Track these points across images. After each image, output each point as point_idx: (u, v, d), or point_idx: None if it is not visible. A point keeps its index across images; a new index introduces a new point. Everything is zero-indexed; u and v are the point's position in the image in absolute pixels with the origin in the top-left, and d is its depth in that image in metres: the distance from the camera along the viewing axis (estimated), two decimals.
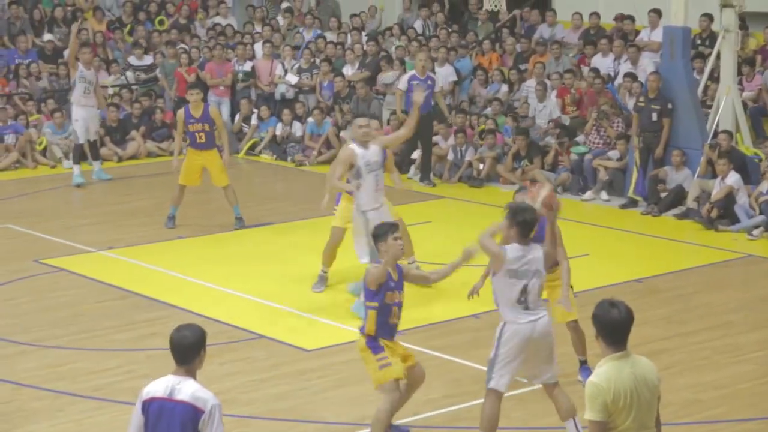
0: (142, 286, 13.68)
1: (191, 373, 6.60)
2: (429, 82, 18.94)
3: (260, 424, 9.96)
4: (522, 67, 20.97)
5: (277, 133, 21.42)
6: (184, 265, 14.57)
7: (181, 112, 16.06)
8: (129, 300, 13.29)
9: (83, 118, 19.11)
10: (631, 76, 18.85)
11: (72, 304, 13.14)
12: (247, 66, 22.59)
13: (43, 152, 20.91)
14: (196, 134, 15.79)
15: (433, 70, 20.18)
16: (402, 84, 19.31)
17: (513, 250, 8.83)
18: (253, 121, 21.82)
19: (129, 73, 22.88)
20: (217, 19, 24.93)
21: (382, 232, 9.20)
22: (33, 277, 14.14)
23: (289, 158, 20.97)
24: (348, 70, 21.92)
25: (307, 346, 11.79)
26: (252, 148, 21.54)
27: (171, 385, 6.54)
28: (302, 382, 10.89)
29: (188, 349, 6.59)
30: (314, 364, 11.33)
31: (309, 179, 19.79)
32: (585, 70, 20.07)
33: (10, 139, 20.63)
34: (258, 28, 24.30)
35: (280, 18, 24.88)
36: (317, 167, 20.43)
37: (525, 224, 8.80)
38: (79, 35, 20.29)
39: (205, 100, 21.57)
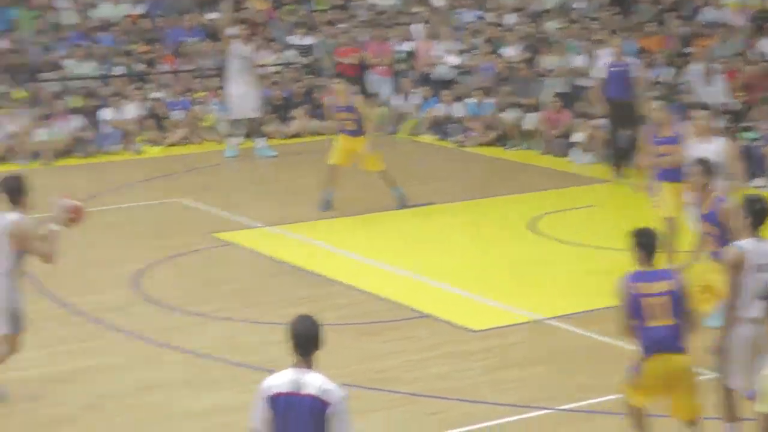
0: (309, 262, 13.90)
1: (311, 365, 6.58)
2: (625, 67, 18.07)
3: (423, 402, 10.01)
4: (686, 50, 20.61)
5: (438, 113, 21.51)
6: (350, 242, 14.77)
7: (330, 99, 16.22)
8: (297, 275, 13.52)
9: (236, 94, 19.49)
10: None
11: (242, 278, 13.46)
12: (407, 46, 22.70)
13: (210, 128, 21.39)
14: (344, 122, 15.97)
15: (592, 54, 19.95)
16: (600, 71, 18.35)
17: (750, 243, 8.35)
18: (415, 101, 21.94)
19: (289, 52, 23.21)
20: (378, 0, 25.09)
21: None
22: (205, 250, 14.51)
23: (449, 139, 21.05)
24: (508, 51, 21.86)
25: (473, 326, 11.84)
26: (413, 128, 21.67)
27: (296, 379, 6.53)
28: (466, 362, 10.91)
29: (312, 340, 6.57)
30: (479, 345, 11.34)
31: (469, 159, 19.84)
32: (753, 54, 19.63)
33: (178, 115, 21.15)
34: (418, 9, 24.37)
35: None
36: (477, 148, 20.45)
37: (759, 214, 8.42)
38: (230, 12, 20.52)
39: (362, 80, 22.00)
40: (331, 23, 23.56)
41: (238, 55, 19.45)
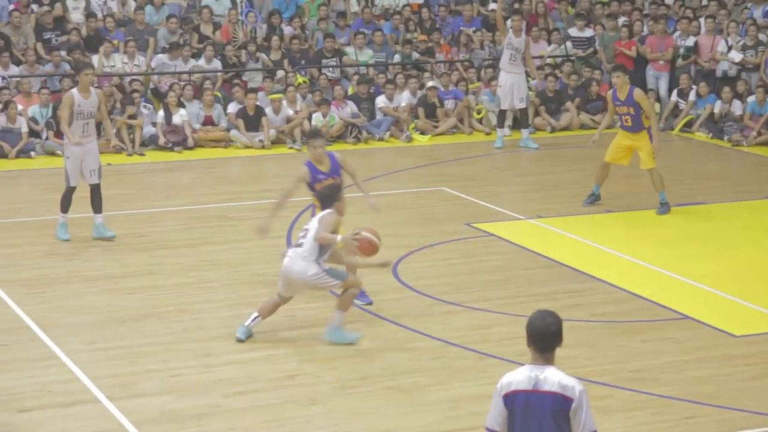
0: (568, 257, 13.74)
1: (551, 361, 6.40)
2: None
3: (680, 406, 9.75)
4: None
5: (715, 111, 20.83)
6: (611, 239, 14.50)
7: (609, 93, 15.90)
8: (555, 269, 13.40)
9: (506, 85, 19.52)
10: None
11: (500, 269, 13.40)
12: (690, 41, 22.10)
13: (480, 119, 21.45)
14: (622, 117, 15.57)
15: None
16: None
17: None
18: (691, 97, 21.32)
19: (568, 44, 22.98)
20: None
21: None
22: (465, 240, 14.54)
23: (725, 137, 20.35)
24: None
25: (736, 331, 11.42)
26: (688, 125, 21.08)
27: (534, 375, 6.36)
28: (727, 367, 10.58)
29: (553, 336, 6.38)
30: (741, 350, 10.97)
31: (745, 160, 19.12)
32: None
33: (450, 104, 21.30)
34: (704, 2, 23.66)
35: None
36: (755, 148, 19.70)
37: None
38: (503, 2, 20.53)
39: (642, 75, 21.57)
40: (612, 16, 23.17)
41: (511, 46, 19.46)
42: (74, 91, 14.23)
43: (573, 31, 23.07)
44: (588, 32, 23.01)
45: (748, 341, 11.22)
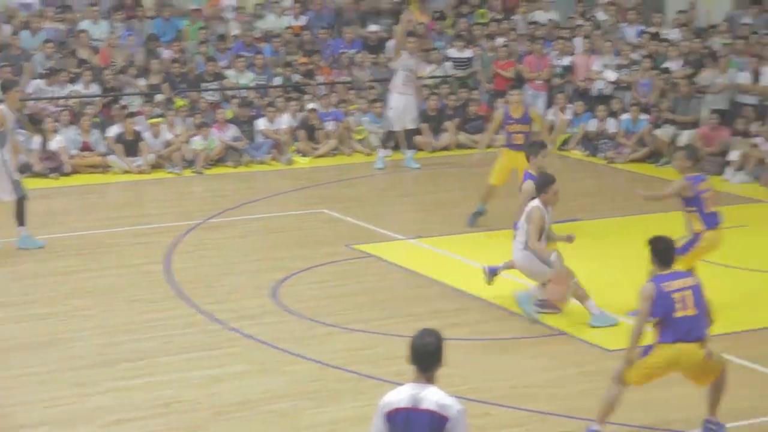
0: (448, 276, 13.82)
1: (432, 381, 6.51)
2: None
3: (558, 421, 9.86)
4: None
5: (591, 129, 21.19)
6: (491, 257, 14.58)
7: (500, 112, 16.08)
8: (435, 289, 13.46)
9: (398, 106, 19.68)
10: None
11: (380, 290, 13.42)
12: (566, 61, 22.46)
13: (361, 140, 21.50)
14: (514, 135, 15.76)
15: (757, 71, 19.41)
16: None
17: None
18: (567, 116, 21.67)
19: (447, 64, 23.18)
20: (538, 14, 24.86)
21: None
22: (345, 261, 14.54)
23: (600, 155, 20.70)
24: (671, 67, 21.39)
25: (609, 345, 11.57)
26: (564, 143, 21.41)
27: (414, 394, 6.47)
28: (603, 382, 10.60)
29: (431, 355, 6.50)
30: (615, 364, 11.10)
31: (620, 176, 19.46)
32: None
33: (330, 126, 21.32)
34: (579, 23, 24.06)
35: (601, 13, 24.57)
36: (629, 165, 20.07)
37: None
38: (407, 25, 20.73)
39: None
40: (490, 37, 23.45)
41: (405, 67, 19.60)
42: None
43: (452, 52, 23.28)
44: (467, 53, 23.24)
45: (621, 355, 11.34)
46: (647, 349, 9.19)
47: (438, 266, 14.31)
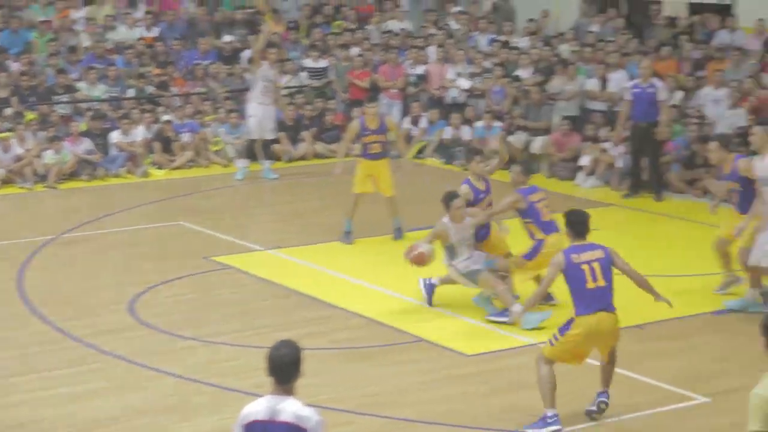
0: (307, 286, 13.83)
1: (290, 392, 6.51)
2: (650, 90, 18.15)
3: (418, 427, 9.95)
4: (699, 73, 20.47)
5: (446, 136, 21.44)
6: (349, 266, 14.68)
7: (355, 123, 16.18)
8: (294, 299, 13.47)
9: (258, 115, 19.68)
10: None
11: (239, 302, 13.38)
12: (420, 70, 22.68)
13: (217, 151, 21.37)
14: (371, 145, 15.86)
15: (604, 77, 19.93)
16: (627, 94, 18.43)
17: None
18: (423, 124, 21.89)
19: (302, 74, 23.20)
20: (392, 23, 25.06)
21: None
22: (202, 274, 14.44)
23: (456, 162, 20.95)
24: (521, 75, 21.78)
25: (467, 351, 11.75)
26: (420, 151, 21.61)
27: (272, 405, 6.46)
28: (462, 386, 10.86)
29: (288, 367, 6.50)
30: (474, 369, 11.29)
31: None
32: (767, 78, 19.45)
33: (186, 137, 21.14)
34: (432, 32, 24.33)
35: (453, 22, 24.89)
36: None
37: None
38: (268, 35, 20.71)
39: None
40: (345, 46, 23.54)
41: (264, 77, 19.60)
42: None
43: (307, 62, 23.30)
44: (322, 63, 23.30)
45: (479, 360, 11.55)
46: (567, 324, 9.62)
47: (297, 276, 14.31)
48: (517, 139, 20.48)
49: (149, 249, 15.68)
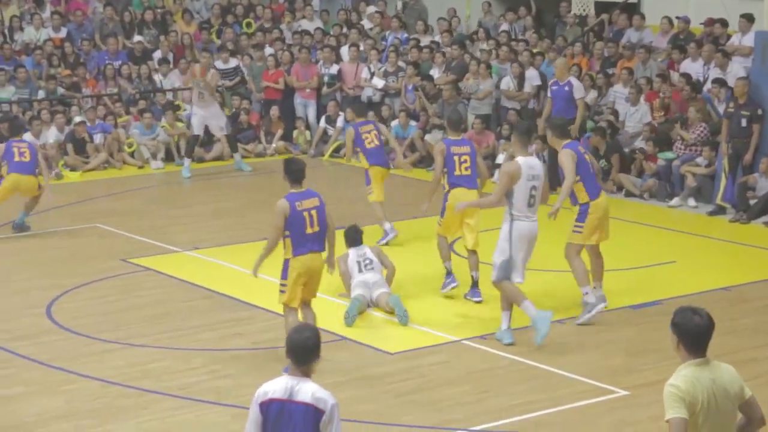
0: (228, 286, 13.77)
1: (308, 374, 6.63)
2: (567, 88, 18.47)
3: (342, 426, 9.91)
4: (609, 71, 20.76)
5: None
6: (268, 266, 14.56)
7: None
8: (215, 300, 13.40)
9: (198, 114, 20.13)
10: (719, 82, 18.53)
11: (158, 304, 13.27)
12: (334, 69, 22.68)
13: (131, 153, 21.17)
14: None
15: (520, 75, 20.17)
16: (548, 91, 18.91)
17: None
18: (339, 123, 21.89)
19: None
20: (304, 23, 25.03)
21: None
22: (120, 276, 14.31)
23: None
24: (435, 73, 21.89)
25: (391, 349, 11.78)
26: (337, 150, 21.61)
27: (290, 386, 6.57)
28: (385, 385, 10.88)
29: (310, 350, 6.62)
30: (397, 366, 11.33)
31: (392, 181, 19.71)
32: (674, 75, 19.79)
33: (98, 139, 20.90)
34: (345, 31, 24.35)
35: (366, 21, 24.91)
36: (399, 170, 20.37)
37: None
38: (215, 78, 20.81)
39: (290, 104, 22.06)
40: (258, 46, 23.44)
41: (198, 85, 19.98)
42: None
43: (218, 63, 23.15)
44: (233, 63, 23.16)
45: (402, 357, 11.59)
46: (285, 267, 10.84)
47: (216, 277, 14.23)
48: (434, 137, 20.57)
49: (65, 252, 15.49)
